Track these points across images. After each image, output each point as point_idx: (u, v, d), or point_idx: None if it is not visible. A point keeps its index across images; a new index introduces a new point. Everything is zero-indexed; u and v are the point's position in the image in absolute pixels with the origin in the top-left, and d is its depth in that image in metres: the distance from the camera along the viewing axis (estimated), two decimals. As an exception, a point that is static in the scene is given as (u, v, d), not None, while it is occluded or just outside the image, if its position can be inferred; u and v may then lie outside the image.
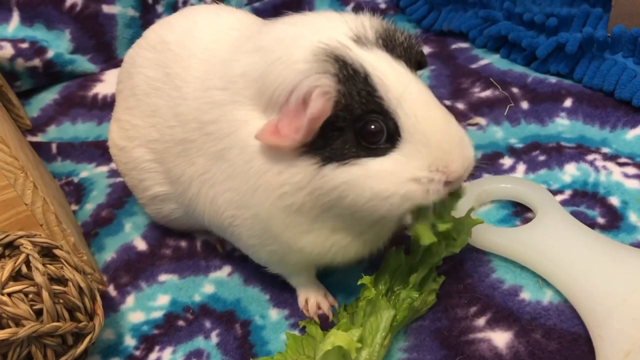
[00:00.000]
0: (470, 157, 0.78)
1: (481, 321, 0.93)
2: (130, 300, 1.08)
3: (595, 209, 1.07)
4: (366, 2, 1.83)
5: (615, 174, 1.12)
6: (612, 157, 1.15)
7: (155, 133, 0.96)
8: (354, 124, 0.75)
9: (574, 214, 1.03)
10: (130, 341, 1.01)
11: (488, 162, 1.19)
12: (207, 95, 0.86)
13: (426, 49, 1.56)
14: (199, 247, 1.15)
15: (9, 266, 0.82)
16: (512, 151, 1.21)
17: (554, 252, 0.95)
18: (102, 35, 1.72)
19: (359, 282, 0.88)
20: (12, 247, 0.88)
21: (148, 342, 1.00)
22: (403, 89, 0.74)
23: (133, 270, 1.12)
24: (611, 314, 0.85)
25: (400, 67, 0.76)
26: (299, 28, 0.80)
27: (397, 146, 0.75)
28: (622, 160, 1.15)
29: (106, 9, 1.71)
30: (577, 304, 0.90)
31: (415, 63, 0.81)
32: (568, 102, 1.29)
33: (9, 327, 0.80)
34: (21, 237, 0.88)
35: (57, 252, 0.89)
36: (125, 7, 1.72)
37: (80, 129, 1.53)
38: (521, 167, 1.18)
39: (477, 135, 1.27)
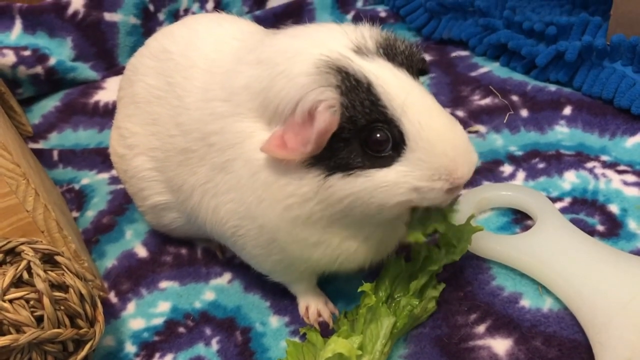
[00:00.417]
0: (474, 162, 0.79)
1: (481, 328, 0.93)
2: (130, 307, 1.08)
3: (594, 217, 1.07)
4: (366, 11, 1.83)
5: (614, 181, 1.12)
6: (611, 165, 1.16)
7: (155, 141, 0.97)
8: (359, 134, 0.75)
9: (574, 221, 1.03)
10: (130, 348, 1.01)
11: (488, 169, 1.19)
12: (210, 106, 0.86)
13: (426, 57, 1.55)
14: (199, 254, 1.15)
15: (10, 273, 0.82)
16: (512, 159, 1.22)
17: (553, 260, 0.95)
18: (103, 43, 1.73)
19: (359, 290, 0.89)
20: (13, 254, 0.88)
21: (148, 348, 1.00)
22: (406, 96, 0.74)
23: (134, 277, 1.12)
24: (611, 321, 0.85)
25: (402, 75, 0.77)
26: (300, 40, 0.80)
27: (403, 154, 0.76)
28: (621, 168, 1.15)
29: (108, 16, 1.71)
30: (577, 311, 0.90)
31: (417, 70, 0.82)
32: (567, 110, 1.30)
33: (10, 333, 0.80)
34: (22, 243, 0.88)
35: (58, 258, 0.89)
36: (127, 15, 1.73)
37: (81, 136, 1.54)
38: (521, 175, 1.18)
39: (477, 142, 1.27)
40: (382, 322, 0.87)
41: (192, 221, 0.98)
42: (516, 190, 1.11)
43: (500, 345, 0.90)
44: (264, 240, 0.86)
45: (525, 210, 1.08)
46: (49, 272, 0.86)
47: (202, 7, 1.84)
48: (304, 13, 1.83)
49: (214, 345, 0.99)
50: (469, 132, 1.31)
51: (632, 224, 1.04)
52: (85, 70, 1.72)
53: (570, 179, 1.15)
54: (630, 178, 1.12)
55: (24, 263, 0.84)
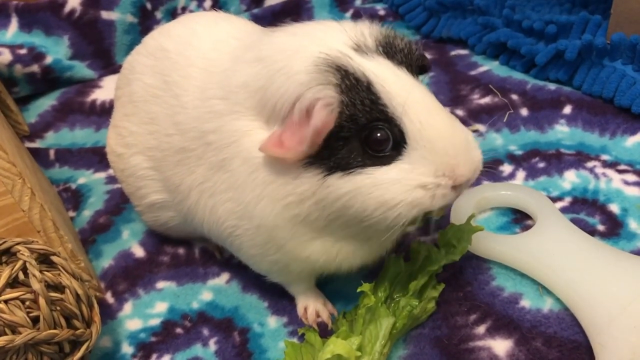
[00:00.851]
0: (478, 159, 0.78)
1: (481, 329, 0.92)
2: (127, 307, 1.07)
3: (595, 216, 1.06)
4: (365, 9, 1.83)
5: (615, 181, 1.12)
6: (611, 164, 1.15)
7: (153, 141, 0.96)
8: (359, 133, 0.74)
9: (574, 221, 1.03)
10: (127, 349, 1.00)
11: (487, 169, 1.19)
12: (207, 104, 0.85)
13: (425, 53, 1.56)
14: (197, 254, 1.15)
15: (5, 273, 0.82)
16: (512, 158, 1.21)
17: (554, 260, 0.95)
18: (100, 42, 1.72)
19: (358, 290, 0.88)
20: (9, 254, 0.87)
21: (145, 349, 1.00)
22: (406, 95, 0.74)
23: (131, 277, 1.12)
24: (612, 322, 0.84)
25: (402, 73, 0.76)
26: (299, 38, 0.79)
27: (403, 153, 0.75)
28: (622, 167, 1.14)
29: (105, 15, 1.71)
30: (578, 311, 0.90)
31: (417, 68, 0.81)
32: (567, 109, 1.29)
33: (6, 334, 0.80)
34: (18, 243, 0.87)
35: (54, 259, 0.89)
36: (124, 14, 1.72)
37: (78, 135, 1.53)
38: (521, 174, 1.17)
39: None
40: (381, 322, 0.86)
41: (188, 221, 0.98)
42: (516, 189, 1.10)
43: (501, 346, 0.90)
44: (261, 240, 0.86)
45: (525, 210, 1.08)
46: (45, 273, 0.85)
47: (200, 6, 1.84)
48: (302, 11, 1.83)
49: (212, 345, 0.99)
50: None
51: (632, 224, 1.04)
52: (81, 69, 1.71)
53: (570, 178, 1.14)
54: (631, 177, 1.12)
55: (19, 263, 0.84)
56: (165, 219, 1.05)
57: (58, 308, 0.84)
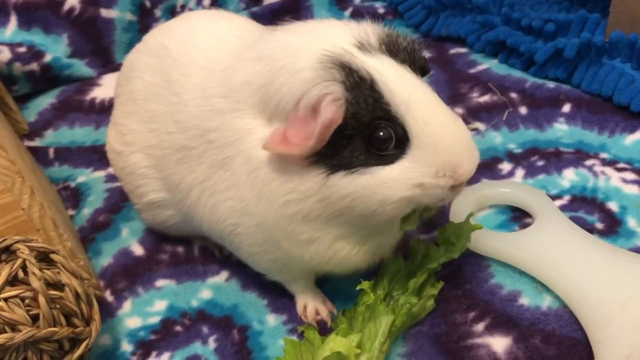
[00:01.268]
0: (477, 159, 0.79)
1: (480, 327, 0.92)
2: (127, 305, 1.07)
3: (593, 214, 1.06)
4: (364, 7, 1.83)
5: (613, 179, 1.12)
6: (610, 163, 1.15)
7: (153, 139, 0.96)
8: (363, 131, 0.74)
9: (573, 219, 1.03)
10: (127, 347, 1.01)
11: (486, 167, 1.19)
12: (209, 102, 0.85)
13: (425, 54, 1.56)
14: (196, 252, 1.15)
15: (5, 271, 0.82)
16: (511, 156, 1.21)
17: (552, 257, 0.95)
18: (100, 40, 1.72)
19: (357, 288, 0.88)
20: (8, 252, 0.87)
21: (145, 347, 1.00)
22: (410, 93, 0.74)
23: (130, 275, 1.12)
24: (610, 319, 0.85)
25: (405, 71, 0.76)
26: (302, 36, 0.79)
27: (406, 152, 0.75)
28: (621, 165, 1.15)
29: (104, 13, 1.70)
30: (576, 309, 0.90)
31: (419, 68, 0.81)
32: (566, 107, 1.29)
33: (5, 332, 0.80)
34: (18, 241, 0.87)
35: (54, 257, 0.89)
36: (123, 12, 1.72)
37: (77, 134, 1.53)
38: (520, 172, 1.18)
39: (476, 140, 1.24)
40: (380, 320, 0.86)
41: (188, 219, 0.97)
42: (515, 187, 1.10)
43: (499, 343, 0.90)
44: (260, 238, 0.86)
45: (524, 207, 1.08)
46: (45, 271, 0.85)
47: (199, 4, 1.84)
48: (301, 9, 1.82)
49: (211, 343, 0.99)
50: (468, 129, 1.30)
51: (631, 222, 1.04)
52: (81, 67, 1.71)
53: (569, 176, 1.14)
54: (630, 176, 1.12)
55: (19, 261, 0.84)
56: (164, 217, 1.05)
57: (58, 306, 0.84)
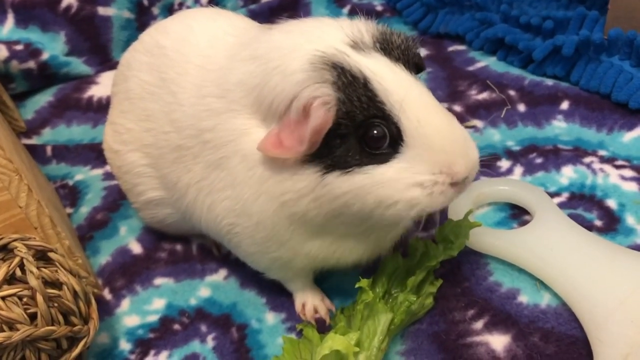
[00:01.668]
0: (475, 157, 0.78)
1: (479, 324, 0.92)
2: (125, 304, 1.07)
3: (592, 212, 1.06)
4: (362, 5, 1.82)
5: (612, 176, 1.12)
6: (609, 160, 1.15)
7: (149, 138, 0.96)
8: (357, 130, 0.74)
9: (572, 216, 1.03)
10: (125, 345, 1.00)
11: (485, 164, 1.19)
12: (204, 102, 0.85)
13: (423, 52, 1.56)
14: (194, 250, 1.14)
15: (3, 269, 0.82)
16: (509, 154, 1.21)
17: (551, 255, 0.95)
18: (97, 38, 1.71)
19: (356, 286, 0.88)
20: (6, 251, 0.87)
21: (143, 346, 1.00)
22: (404, 92, 0.73)
23: (128, 273, 1.12)
24: (609, 317, 0.85)
25: (399, 70, 0.76)
26: (294, 36, 0.79)
27: (401, 151, 0.74)
28: (619, 162, 1.14)
29: (102, 11, 1.70)
30: (575, 306, 0.90)
31: (414, 65, 0.81)
32: (565, 105, 1.29)
33: (3, 331, 0.79)
34: (15, 240, 0.87)
35: (51, 255, 0.89)
36: (120, 10, 1.71)
37: (75, 132, 1.53)
38: (518, 170, 1.17)
39: (474, 137, 1.25)
40: (379, 318, 0.86)
41: (187, 218, 0.97)
42: (514, 185, 1.10)
43: (498, 341, 0.90)
44: (260, 237, 0.86)
45: (523, 205, 1.08)
46: (42, 269, 0.85)
47: (196, 2, 1.83)
48: (299, 7, 1.82)
49: (210, 342, 0.99)
50: (466, 127, 1.30)
51: (630, 219, 1.04)
52: (78, 65, 1.70)
53: (567, 174, 1.14)
54: (628, 173, 1.12)
55: (16, 260, 0.84)
56: (162, 215, 1.04)
57: (55, 305, 0.84)
